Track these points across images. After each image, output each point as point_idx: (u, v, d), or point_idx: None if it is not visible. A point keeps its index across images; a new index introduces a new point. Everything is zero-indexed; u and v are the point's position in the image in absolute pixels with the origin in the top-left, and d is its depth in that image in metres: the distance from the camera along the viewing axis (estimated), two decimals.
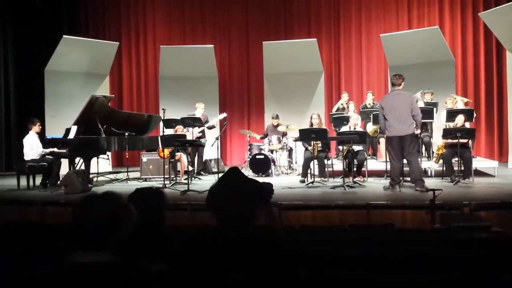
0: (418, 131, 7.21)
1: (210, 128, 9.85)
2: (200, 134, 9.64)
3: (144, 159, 9.32)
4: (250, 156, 9.47)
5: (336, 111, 10.76)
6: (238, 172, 2.18)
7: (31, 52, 11.34)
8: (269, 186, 2.26)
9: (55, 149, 8.31)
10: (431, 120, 8.76)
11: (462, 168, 7.89)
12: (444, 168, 8.10)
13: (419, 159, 8.18)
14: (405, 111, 6.88)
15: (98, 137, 8.38)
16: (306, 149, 8.48)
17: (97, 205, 1.87)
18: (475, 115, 9.10)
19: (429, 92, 9.60)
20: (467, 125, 8.41)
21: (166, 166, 8.48)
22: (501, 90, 11.28)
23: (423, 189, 6.68)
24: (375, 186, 7.81)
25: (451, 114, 8.48)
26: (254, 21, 13.04)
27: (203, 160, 9.97)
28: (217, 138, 9.23)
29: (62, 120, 9.73)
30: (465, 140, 7.79)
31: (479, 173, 8.52)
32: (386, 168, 8.34)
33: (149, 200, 2.71)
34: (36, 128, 8.38)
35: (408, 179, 7.54)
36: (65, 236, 2.79)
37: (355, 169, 8.34)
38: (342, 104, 10.79)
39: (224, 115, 10.10)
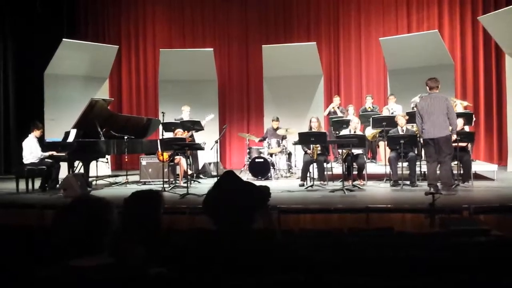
0: (454, 137, 7.07)
1: (197, 130, 9.75)
2: (191, 138, 9.53)
3: (144, 162, 9.31)
4: (250, 160, 9.47)
5: (328, 114, 10.79)
6: (234, 176, 2.18)
7: (30, 55, 11.35)
8: (265, 189, 2.26)
9: (54, 153, 8.30)
10: None
11: (462, 172, 7.89)
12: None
13: (419, 163, 8.22)
14: (442, 115, 6.86)
15: (97, 141, 8.37)
16: (306, 152, 8.48)
17: (73, 214, 1.86)
18: (474, 118, 9.10)
19: None
20: (466, 128, 8.41)
21: (166, 170, 8.47)
22: (500, 94, 11.29)
23: (452, 193, 6.78)
24: (375, 190, 7.82)
25: None
26: (253, 24, 13.05)
27: (198, 163, 9.92)
28: (216, 142, 9.24)
29: (61, 123, 9.73)
30: (464, 144, 7.80)
31: (478, 177, 8.52)
32: (386, 171, 8.35)
33: (146, 202, 2.69)
34: (37, 133, 8.37)
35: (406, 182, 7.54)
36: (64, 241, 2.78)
37: (355, 172, 8.33)
38: (333, 107, 10.80)
39: (212, 116, 10.03)
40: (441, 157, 6.92)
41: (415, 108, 9.24)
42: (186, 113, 9.96)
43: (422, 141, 7.68)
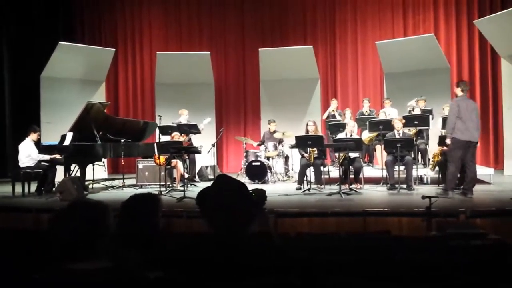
0: None
1: (194, 133, 9.73)
2: (189, 142, 9.48)
3: (140, 166, 9.29)
4: (247, 163, 9.46)
5: (326, 118, 10.81)
6: (228, 179, 2.17)
7: (27, 58, 11.33)
8: (261, 192, 2.25)
9: (57, 156, 8.25)
10: (427, 127, 8.79)
11: (458, 176, 7.90)
12: (440, 176, 8.11)
13: (416, 166, 8.24)
14: (476, 118, 6.96)
15: (93, 144, 8.35)
16: (302, 156, 8.48)
17: (71, 218, 1.85)
18: None
19: (422, 99, 9.65)
20: None
21: (162, 173, 8.46)
22: (496, 97, 11.32)
23: (472, 196, 6.90)
24: (371, 193, 7.82)
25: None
26: (250, 28, 13.07)
27: (195, 167, 9.91)
28: (213, 145, 9.23)
29: (58, 126, 9.71)
30: None
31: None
32: (382, 175, 8.36)
33: (144, 205, 2.69)
34: (34, 136, 8.34)
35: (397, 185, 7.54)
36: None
37: (351, 176, 8.33)
38: (333, 110, 10.81)
39: (209, 119, 10.01)
40: (469, 161, 6.96)
41: (412, 112, 9.29)
42: (184, 117, 9.95)
43: (420, 146, 7.69)
